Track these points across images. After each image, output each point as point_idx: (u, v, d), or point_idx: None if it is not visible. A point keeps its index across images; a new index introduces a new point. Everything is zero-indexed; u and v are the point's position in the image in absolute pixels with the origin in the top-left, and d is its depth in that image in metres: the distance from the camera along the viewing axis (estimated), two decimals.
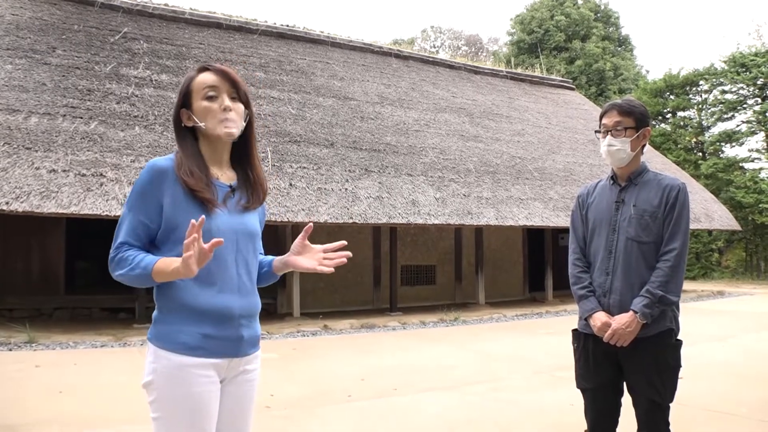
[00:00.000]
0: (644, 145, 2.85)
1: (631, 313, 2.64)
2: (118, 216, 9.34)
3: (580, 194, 3.06)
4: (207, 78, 1.98)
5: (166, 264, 1.78)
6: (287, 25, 16.07)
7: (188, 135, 2.00)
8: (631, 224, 2.74)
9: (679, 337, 2.74)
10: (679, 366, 2.72)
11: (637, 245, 2.72)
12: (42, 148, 9.19)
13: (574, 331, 2.94)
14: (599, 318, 2.73)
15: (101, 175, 9.24)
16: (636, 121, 2.79)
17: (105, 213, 8.79)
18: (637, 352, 2.68)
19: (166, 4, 14.54)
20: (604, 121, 2.87)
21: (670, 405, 2.70)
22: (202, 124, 1.95)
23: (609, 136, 2.81)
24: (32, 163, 8.93)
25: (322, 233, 13.24)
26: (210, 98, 1.96)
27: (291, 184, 10.77)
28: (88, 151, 9.52)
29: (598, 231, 2.87)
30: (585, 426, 2.92)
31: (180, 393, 1.83)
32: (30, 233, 10.82)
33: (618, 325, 2.66)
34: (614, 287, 2.75)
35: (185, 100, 2.00)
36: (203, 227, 1.86)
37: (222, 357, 1.89)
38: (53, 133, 9.53)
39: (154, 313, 1.91)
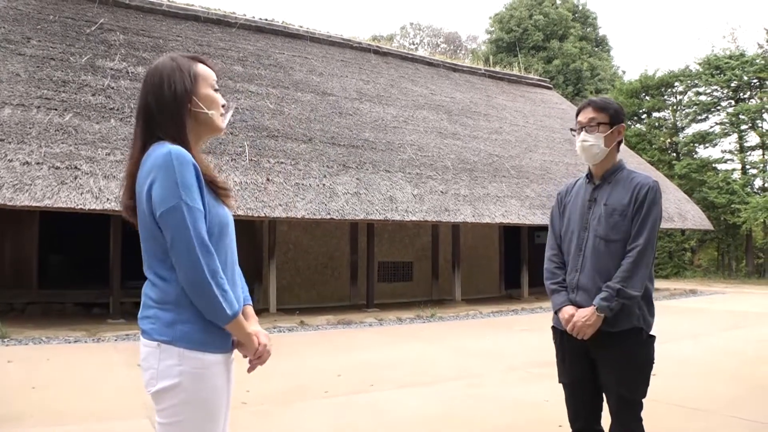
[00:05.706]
0: (620, 142, 2.88)
1: (591, 307, 2.68)
2: (93, 209, 9.19)
3: (559, 192, 3.11)
4: (210, 71, 1.98)
5: (244, 323, 1.91)
6: (266, 19, 15.96)
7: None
8: (600, 223, 2.77)
9: (651, 333, 2.75)
10: (651, 362, 2.73)
11: (604, 243, 2.74)
12: (15, 140, 9.04)
13: (553, 327, 2.98)
14: (567, 311, 2.78)
15: (76, 167, 9.11)
16: (610, 117, 2.82)
17: (79, 206, 8.68)
18: (606, 349, 2.71)
19: None
20: (579, 118, 2.91)
21: (643, 401, 2.72)
22: (210, 112, 1.92)
23: (583, 132, 2.85)
24: (5, 155, 8.78)
25: (299, 229, 13.23)
26: (216, 90, 1.97)
27: (268, 179, 10.72)
28: (62, 143, 9.38)
29: (571, 229, 2.91)
30: (559, 421, 2.95)
31: (209, 391, 1.80)
32: (2, 226, 10.64)
33: (577, 317, 2.70)
34: (581, 284, 2.79)
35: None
36: (223, 221, 1.86)
37: (229, 351, 1.92)
38: (27, 124, 9.37)
39: (166, 315, 1.78)
